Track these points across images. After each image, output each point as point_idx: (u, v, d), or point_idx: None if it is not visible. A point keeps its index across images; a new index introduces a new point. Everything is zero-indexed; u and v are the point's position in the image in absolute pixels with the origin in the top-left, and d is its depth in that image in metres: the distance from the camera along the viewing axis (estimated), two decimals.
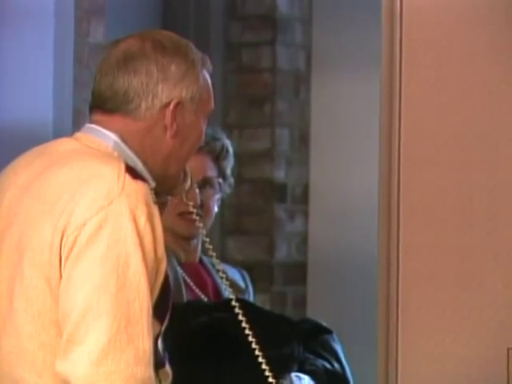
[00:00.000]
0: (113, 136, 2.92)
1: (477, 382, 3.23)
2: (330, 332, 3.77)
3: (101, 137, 2.91)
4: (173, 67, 2.94)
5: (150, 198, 2.82)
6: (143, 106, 2.95)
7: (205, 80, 2.99)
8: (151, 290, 2.80)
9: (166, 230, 3.08)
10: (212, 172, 3.93)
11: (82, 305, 2.77)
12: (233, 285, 3.67)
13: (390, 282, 3.31)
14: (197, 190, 3.71)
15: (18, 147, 3.02)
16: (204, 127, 3.05)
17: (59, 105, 3.83)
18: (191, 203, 3.39)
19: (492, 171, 3.17)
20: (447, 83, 3.21)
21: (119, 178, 2.78)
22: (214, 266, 3.99)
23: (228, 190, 4.02)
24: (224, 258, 3.95)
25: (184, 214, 3.66)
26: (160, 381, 2.92)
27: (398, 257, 3.26)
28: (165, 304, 2.88)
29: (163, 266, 2.84)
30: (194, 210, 3.42)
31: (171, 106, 2.88)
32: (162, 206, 3.15)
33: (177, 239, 3.95)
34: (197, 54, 3.02)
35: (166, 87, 2.93)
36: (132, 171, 2.80)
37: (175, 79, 2.94)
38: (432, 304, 3.25)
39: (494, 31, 3.22)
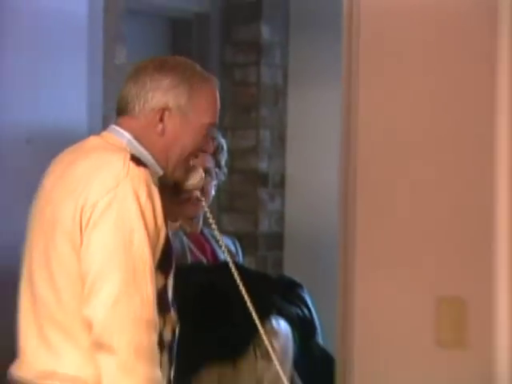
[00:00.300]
0: (127, 134, 2.95)
1: (410, 327, 3.25)
2: (301, 286, 3.87)
3: (118, 135, 2.95)
4: (166, 81, 2.94)
5: (151, 180, 2.84)
6: (137, 108, 2.98)
7: (204, 95, 3.01)
8: (154, 251, 2.85)
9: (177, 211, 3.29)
10: (210, 163, 3.90)
11: (98, 264, 2.82)
12: (228, 250, 3.58)
13: (347, 249, 3.41)
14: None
15: (60, 146, 3.06)
16: (201, 134, 3.04)
17: (92, 112, 3.85)
18: (199, 193, 3.34)
19: (438, 164, 3.23)
20: (400, 88, 3.26)
21: (124, 165, 2.82)
22: (212, 236, 3.99)
23: (223, 178, 4.02)
24: (220, 230, 3.93)
25: (193, 200, 3.56)
26: (165, 323, 2.96)
27: (354, 228, 3.32)
28: (168, 261, 2.92)
29: (163, 232, 2.87)
30: (203, 199, 3.38)
31: (156, 109, 2.92)
32: (187, 200, 3.33)
33: (185, 217, 3.85)
34: (197, 73, 3.05)
35: (155, 95, 2.93)
36: (136, 160, 2.84)
37: (165, 90, 2.94)
38: (380, 267, 3.27)
39: (443, 42, 3.24)
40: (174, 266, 3.01)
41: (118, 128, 2.98)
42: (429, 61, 3.30)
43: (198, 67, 3.11)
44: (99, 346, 2.79)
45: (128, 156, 2.86)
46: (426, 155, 3.27)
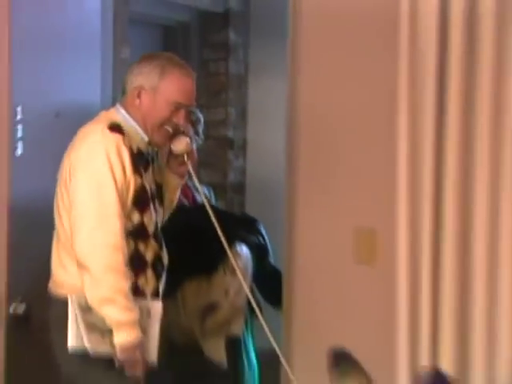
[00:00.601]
0: (122, 111, 3.02)
1: (336, 250, 3.36)
2: (257, 221, 3.96)
3: (117, 111, 3.04)
4: (146, 67, 2.99)
5: (121, 143, 2.90)
6: (126, 88, 3.05)
7: (172, 79, 3.04)
8: (125, 195, 2.93)
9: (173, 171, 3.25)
10: (191, 132, 3.87)
11: (76, 209, 2.93)
12: (204, 195, 3.63)
13: (290, 192, 3.42)
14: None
15: (81, 119, 3.11)
16: (169, 109, 3.04)
17: (103, 93, 3.75)
18: (186, 156, 3.25)
19: (359, 123, 3.28)
20: (328, 76, 3.32)
21: (102, 131, 2.91)
22: (194, 185, 3.86)
23: (200, 142, 3.95)
24: (199, 181, 3.91)
25: (181, 162, 3.43)
26: (146, 247, 3.05)
27: (297, 179, 3.38)
28: (142, 201, 2.97)
29: (133, 181, 2.92)
30: (188, 161, 3.25)
31: (135, 88, 2.97)
32: (181, 162, 3.19)
33: (179, 175, 3.84)
34: (171, 62, 3.09)
35: (136, 79, 2.99)
36: (112, 128, 2.93)
37: (143, 75, 2.98)
38: (315, 205, 3.37)
39: (365, 40, 3.26)
40: (151, 205, 3.06)
41: (118, 106, 3.04)
42: (355, 56, 3.31)
43: (176, 59, 3.13)
44: (80, 266, 2.89)
45: (106, 125, 2.93)
46: (349, 117, 3.31)
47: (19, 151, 3.16)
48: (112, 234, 2.88)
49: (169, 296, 3.22)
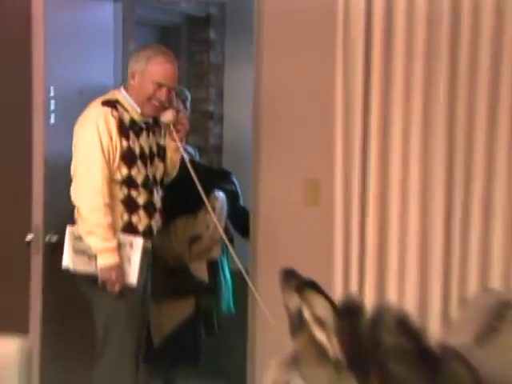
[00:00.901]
0: (123, 90, 3.00)
1: (290, 193, 3.32)
2: (231, 173, 3.94)
3: (119, 91, 3.04)
4: (138, 56, 2.99)
5: (109, 114, 2.92)
6: (128, 72, 3.03)
7: (155, 65, 3.00)
8: (114, 153, 2.93)
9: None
10: (181, 106, 3.77)
11: (73, 161, 2.94)
12: (188, 153, 3.63)
13: (255, 150, 3.37)
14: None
15: (99, 96, 3.08)
16: (153, 88, 2.98)
17: (115, 77, 3.73)
18: (172, 127, 3.21)
19: (312, 107, 3.25)
20: (288, 63, 3.27)
21: (96, 106, 2.93)
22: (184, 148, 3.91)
23: (187, 115, 3.67)
24: (188, 144, 3.77)
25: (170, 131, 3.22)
26: (138, 194, 3.00)
27: (260, 139, 3.33)
28: (129, 158, 2.95)
29: (120, 144, 2.92)
30: (173, 130, 3.23)
31: (131, 73, 2.96)
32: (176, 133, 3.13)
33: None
34: (156, 52, 3.06)
35: (132, 65, 2.98)
36: (104, 103, 2.96)
37: (136, 62, 2.97)
38: (273, 160, 3.33)
39: (316, 37, 3.21)
40: (139, 162, 3.01)
41: (122, 88, 3.04)
42: (302, 48, 3.29)
43: (162, 49, 3.12)
44: (77, 210, 2.94)
45: (100, 101, 2.97)
46: (298, 92, 3.30)
47: (52, 120, 3.18)
48: (95, 181, 2.87)
49: (164, 230, 3.24)
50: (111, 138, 2.88)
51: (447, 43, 3.06)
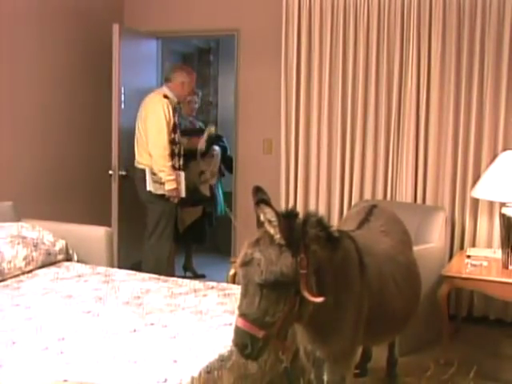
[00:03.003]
0: (165, 88, 3.12)
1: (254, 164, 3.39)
2: (222, 136, 4.01)
3: (164, 89, 3.14)
4: (179, 73, 3.11)
5: (169, 103, 2.98)
6: (170, 79, 3.08)
7: (187, 77, 3.14)
8: (170, 126, 2.96)
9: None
10: (196, 99, 3.92)
11: (150, 130, 2.99)
12: (199, 125, 3.79)
13: (236, 123, 3.55)
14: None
15: (145, 94, 3.30)
16: (187, 91, 3.11)
17: (157, 80, 3.87)
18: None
19: (265, 96, 3.33)
20: (254, 72, 3.35)
21: (160, 97, 3.02)
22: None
23: (199, 104, 4.03)
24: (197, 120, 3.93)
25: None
26: (178, 148, 3.01)
27: (238, 113, 3.43)
28: (174, 130, 3.04)
29: (172, 121, 3.00)
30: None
31: (177, 81, 3.02)
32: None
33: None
34: (187, 70, 3.22)
35: (176, 77, 3.04)
36: (164, 96, 3.02)
37: (179, 75, 3.08)
38: (246, 129, 3.46)
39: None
40: (179, 132, 3.09)
41: (164, 87, 3.17)
42: (262, 64, 3.39)
43: (189, 68, 3.34)
44: (150, 155, 2.99)
45: (162, 95, 3.07)
46: (260, 89, 3.40)
47: (122, 106, 3.41)
48: (162, 141, 3.04)
49: (186, 167, 3.39)
50: (170, 117, 3.03)
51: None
